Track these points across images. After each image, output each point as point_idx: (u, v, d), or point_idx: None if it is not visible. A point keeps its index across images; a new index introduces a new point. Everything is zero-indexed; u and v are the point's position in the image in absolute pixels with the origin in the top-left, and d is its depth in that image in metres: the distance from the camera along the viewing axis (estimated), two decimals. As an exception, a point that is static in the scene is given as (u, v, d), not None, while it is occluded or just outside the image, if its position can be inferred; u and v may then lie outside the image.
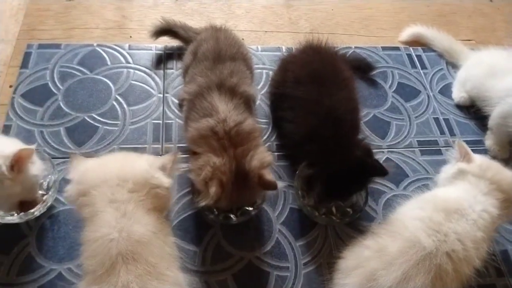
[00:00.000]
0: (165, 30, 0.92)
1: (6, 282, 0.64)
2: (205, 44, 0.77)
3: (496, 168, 0.67)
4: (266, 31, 1.06)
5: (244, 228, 0.72)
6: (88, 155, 0.66)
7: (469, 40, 1.12)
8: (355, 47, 1.04)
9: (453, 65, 1.03)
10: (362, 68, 0.97)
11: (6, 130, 0.80)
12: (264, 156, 0.64)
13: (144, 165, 0.57)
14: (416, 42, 1.09)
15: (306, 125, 0.71)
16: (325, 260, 0.70)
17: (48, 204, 0.70)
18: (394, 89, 0.98)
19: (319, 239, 0.73)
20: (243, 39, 0.91)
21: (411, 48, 1.07)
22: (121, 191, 0.53)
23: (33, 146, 0.63)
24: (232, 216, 0.71)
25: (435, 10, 1.19)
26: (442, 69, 1.03)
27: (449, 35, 1.06)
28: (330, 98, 0.71)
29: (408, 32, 1.08)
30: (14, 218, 0.66)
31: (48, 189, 0.71)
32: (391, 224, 0.63)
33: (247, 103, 0.73)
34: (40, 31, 0.97)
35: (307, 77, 0.75)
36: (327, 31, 1.07)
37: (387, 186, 0.81)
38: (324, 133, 0.68)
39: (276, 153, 0.82)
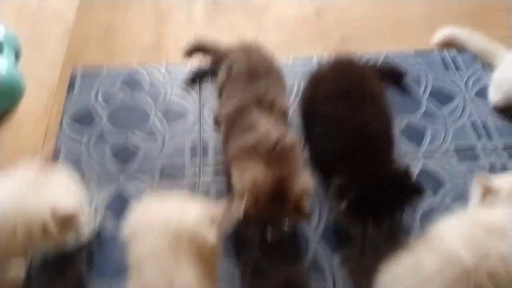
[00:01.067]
0: (197, 48, 0.96)
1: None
2: (239, 63, 0.80)
3: None
4: (297, 42, 1.08)
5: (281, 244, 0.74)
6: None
7: (505, 37, 1.09)
8: (387, 53, 1.03)
9: (489, 66, 1.01)
10: (394, 76, 0.97)
11: (56, 153, 0.86)
12: (306, 182, 0.65)
13: (190, 219, 0.58)
14: (450, 44, 1.06)
15: (337, 142, 0.72)
16: (363, 275, 0.71)
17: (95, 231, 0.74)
18: (428, 93, 0.97)
19: (356, 253, 0.74)
20: (274, 51, 0.93)
21: (445, 51, 1.05)
22: (163, 244, 0.55)
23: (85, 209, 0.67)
24: (267, 233, 0.73)
25: (469, 10, 1.16)
26: (477, 70, 1.01)
27: (483, 35, 1.04)
28: (360, 115, 0.72)
29: (441, 34, 1.06)
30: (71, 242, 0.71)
31: (95, 210, 0.75)
32: (429, 239, 0.63)
33: (285, 116, 0.75)
34: (84, 55, 1.04)
35: (336, 93, 0.76)
36: (358, 38, 1.08)
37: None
38: (355, 150, 0.69)
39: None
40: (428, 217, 0.77)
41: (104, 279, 0.71)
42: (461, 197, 0.79)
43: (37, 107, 0.94)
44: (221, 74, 0.83)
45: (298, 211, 0.65)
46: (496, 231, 0.61)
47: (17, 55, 1.01)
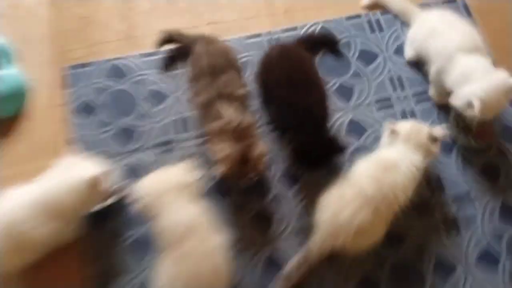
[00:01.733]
0: (167, 39, 1.15)
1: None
2: (201, 60, 1.02)
3: (417, 130, 0.95)
4: (248, 19, 1.27)
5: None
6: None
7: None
8: (323, 22, 1.25)
9: (406, 25, 1.23)
10: (329, 44, 1.20)
11: (72, 144, 1.09)
12: (261, 149, 0.94)
13: (179, 172, 0.89)
14: (376, 6, 1.28)
15: (287, 116, 1.01)
16: (309, 204, 1.02)
17: (120, 194, 1.02)
18: (356, 56, 1.21)
19: (304, 189, 1.05)
20: (229, 29, 1.17)
21: (370, 13, 1.27)
22: (173, 195, 0.85)
23: (106, 171, 0.93)
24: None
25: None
26: (397, 29, 1.25)
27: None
28: (302, 98, 0.99)
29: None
30: (104, 203, 0.99)
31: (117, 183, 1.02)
32: (349, 177, 0.94)
33: (243, 102, 1.01)
34: (68, 51, 1.21)
35: (283, 80, 1.01)
36: (299, 10, 1.28)
37: (352, 140, 1.10)
38: (300, 123, 0.98)
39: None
40: (355, 156, 1.06)
41: (133, 228, 1.00)
42: (379, 139, 1.07)
43: (42, 104, 1.15)
44: (189, 70, 1.06)
45: (257, 168, 0.94)
46: (390, 167, 0.92)
47: (10, 59, 1.18)
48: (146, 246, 0.97)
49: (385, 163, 0.93)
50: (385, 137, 1.00)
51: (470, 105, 0.97)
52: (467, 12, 1.27)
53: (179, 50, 1.17)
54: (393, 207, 0.90)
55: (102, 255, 0.98)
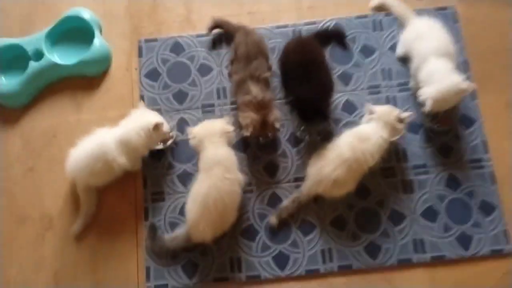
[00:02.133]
0: (215, 25, 1.53)
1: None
2: (240, 48, 1.40)
3: (388, 112, 1.32)
4: (279, 11, 1.62)
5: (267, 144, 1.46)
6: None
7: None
8: (337, 19, 1.58)
9: (402, 27, 1.54)
10: (338, 37, 1.54)
11: (141, 99, 1.52)
12: (277, 116, 1.34)
13: (221, 124, 1.31)
14: (382, 8, 1.59)
15: (301, 94, 1.38)
16: (305, 162, 1.43)
17: (173, 139, 1.46)
18: (359, 49, 1.55)
19: (304, 149, 1.46)
20: (263, 19, 1.55)
21: (376, 15, 1.59)
22: (215, 137, 1.28)
23: (160, 121, 1.36)
24: (261, 139, 1.43)
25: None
26: (394, 30, 1.56)
27: (403, 1, 1.55)
28: (313, 81, 1.35)
29: (374, 1, 1.58)
30: (160, 146, 1.44)
31: (171, 130, 1.46)
32: (333, 145, 1.34)
33: (266, 82, 1.40)
34: (141, 28, 1.61)
35: (297, 66, 1.38)
36: (320, 7, 1.60)
37: (345, 116, 1.48)
38: (308, 100, 1.36)
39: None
40: (345, 128, 1.44)
41: (181, 164, 1.45)
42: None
43: (121, 68, 1.58)
44: (231, 53, 1.45)
45: (274, 129, 1.34)
46: (364, 138, 1.30)
47: (100, 31, 1.60)
48: (189, 177, 1.42)
49: (360, 135, 1.31)
50: (365, 116, 1.37)
51: (426, 101, 1.32)
52: (454, 19, 1.56)
53: (224, 34, 1.54)
54: (363, 167, 1.29)
55: (156, 181, 1.44)
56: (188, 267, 1.35)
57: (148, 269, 1.36)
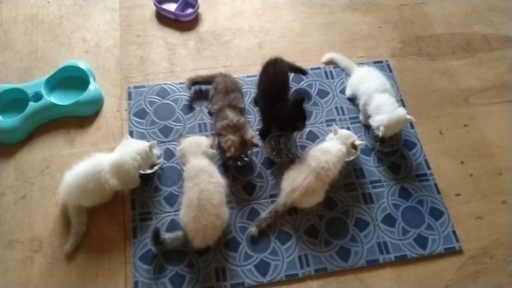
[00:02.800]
0: (194, 81, 1.80)
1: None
2: (220, 85, 1.68)
3: (346, 135, 1.59)
4: (248, 65, 1.95)
5: (243, 167, 1.66)
6: (183, 137, 1.56)
7: (361, 57, 2.01)
8: (296, 70, 1.93)
9: (348, 75, 1.92)
10: (301, 72, 1.87)
11: (130, 134, 1.71)
12: (251, 133, 1.56)
13: (203, 141, 1.50)
14: (331, 62, 1.97)
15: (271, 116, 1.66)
16: (279, 177, 1.63)
17: (160, 165, 1.63)
18: (316, 93, 1.88)
19: (276, 170, 1.67)
20: (236, 71, 1.82)
21: (327, 67, 1.96)
22: (197, 153, 1.47)
23: (154, 142, 1.55)
24: (239, 162, 1.64)
25: (344, 39, 2.07)
26: (342, 78, 1.93)
27: (347, 56, 1.95)
28: (280, 102, 1.62)
29: (325, 57, 1.97)
30: (148, 171, 1.60)
31: (159, 158, 1.64)
32: (302, 160, 1.57)
33: (241, 111, 1.65)
34: (131, 77, 1.87)
35: (269, 90, 1.66)
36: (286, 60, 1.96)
37: (309, 144, 1.74)
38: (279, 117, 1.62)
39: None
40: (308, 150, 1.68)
41: (168, 187, 1.60)
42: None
43: (112, 109, 1.79)
44: (211, 90, 1.72)
45: (252, 144, 1.55)
46: (326, 151, 1.54)
47: (94, 79, 1.83)
48: (175, 198, 1.57)
49: (323, 149, 1.56)
50: (329, 135, 1.64)
51: (378, 128, 1.62)
52: (389, 69, 1.96)
53: (202, 80, 1.83)
54: (328, 174, 1.51)
55: (144, 203, 1.57)
56: (175, 279, 1.43)
57: (136, 284, 1.42)
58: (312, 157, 1.54)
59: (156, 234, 1.40)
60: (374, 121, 1.66)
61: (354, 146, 1.59)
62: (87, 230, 1.49)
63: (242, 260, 1.48)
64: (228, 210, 1.47)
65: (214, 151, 1.54)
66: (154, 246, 1.44)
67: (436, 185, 1.69)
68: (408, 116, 1.64)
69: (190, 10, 2.08)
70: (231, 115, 1.58)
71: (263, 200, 1.60)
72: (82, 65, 1.81)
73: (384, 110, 1.66)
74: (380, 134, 1.62)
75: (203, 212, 1.36)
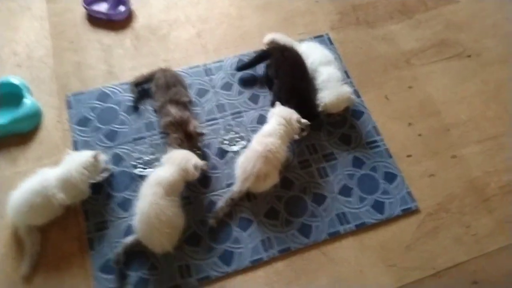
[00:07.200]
0: (136, 82, 1.75)
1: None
2: (159, 80, 1.64)
3: (286, 113, 1.58)
4: (190, 56, 1.91)
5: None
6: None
7: (301, 33, 2.00)
8: (240, 55, 1.90)
9: (291, 53, 1.91)
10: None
11: (75, 144, 1.66)
12: (194, 123, 1.54)
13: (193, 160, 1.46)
14: (273, 42, 1.95)
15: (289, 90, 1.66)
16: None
17: (109, 172, 1.58)
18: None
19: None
20: (177, 64, 1.78)
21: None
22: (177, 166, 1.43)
23: (98, 151, 1.50)
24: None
25: (283, 17, 2.05)
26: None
27: (288, 34, 1.93)
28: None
29: (265, 38, 1.94)
30: (98, 179, 1.55)
31: (107, 164, 1.59)
32: (249, 147, 1.55)
33: (185, 105, 1.62)
34: (68, 85, 1.80)
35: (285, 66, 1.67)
36: (222, 47, 1.93)
37: (259, 127, 1.72)
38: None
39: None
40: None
41: (120, 193, 1.56)
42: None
43: (52, 121, 1.72)
44: (152, 87, 1.67)
45: (198, 135, 1.54)
46: (268, 134, 1.53)
47: (31, 94, 1.75)
48: (129, 203, 1.53)
49: (265, 132, 1.55)
50: (269, 113, 1.63)
51: (320, 105, 1.64)
52: (330, 42, 1.97)
53: (145, 80, 1.77)
54: (276, 156, 1.51)
55: (98, 212, 1.52)
56: (140, 284, 1.40)
57: (100, 295, 1.39)
58: (257, 142, 1.53)
59: (119, 261, 1.41)
60: (319, 97, 1.67)
61: (299, 121, 1.58)
62: (42, 249, 1.44)
63: (205, 254, 1.47)
64: (182, 214, 1.44)
65: (197, 174, 1.47)
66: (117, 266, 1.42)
67: (387, 149, 1.72)
68: (352, 96, 1.69)
69: (122, 8, 2.01)
70: (174, 111, 1.55)
71: (220, 191, 1.59)
72: (16, 80, 1.73)
73: (329, 86, 1.67)
74: (320, 109, 1.66)
75: (154, 225, 1.35)
